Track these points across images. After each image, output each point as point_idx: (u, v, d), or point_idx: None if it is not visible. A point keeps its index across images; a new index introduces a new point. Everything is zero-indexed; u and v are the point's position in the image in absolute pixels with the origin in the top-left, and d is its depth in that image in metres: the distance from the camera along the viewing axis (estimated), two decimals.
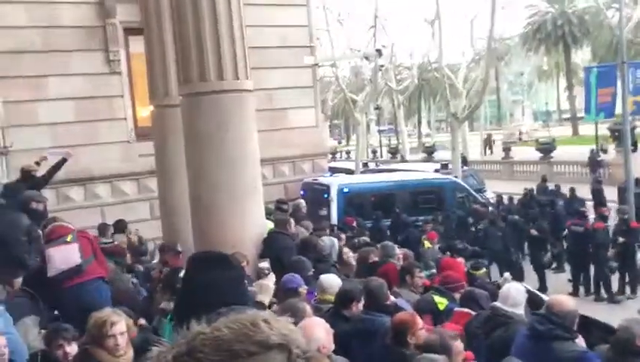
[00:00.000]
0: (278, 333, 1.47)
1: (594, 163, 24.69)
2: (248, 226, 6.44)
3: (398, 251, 7.25)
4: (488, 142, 44.16)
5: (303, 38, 14.07)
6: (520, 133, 46.33)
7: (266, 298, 4.27)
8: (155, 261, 8.48)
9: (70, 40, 11.48)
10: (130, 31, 11.83)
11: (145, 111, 11.65)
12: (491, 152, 41.68)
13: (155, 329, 4.55)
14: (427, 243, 11.05)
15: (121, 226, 9.05)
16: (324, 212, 12.76)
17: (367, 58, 20.36)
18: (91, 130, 11.68)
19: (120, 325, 3.45)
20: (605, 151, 26.48)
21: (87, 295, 5.02)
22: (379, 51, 19.49)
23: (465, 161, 25.35)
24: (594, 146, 26.19)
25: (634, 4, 23.35)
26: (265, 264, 5.07)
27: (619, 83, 14.64)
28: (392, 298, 4.94)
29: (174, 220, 8.52)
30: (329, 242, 6.89)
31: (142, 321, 4.69)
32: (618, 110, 15.08)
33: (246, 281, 2.08)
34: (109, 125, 11.96)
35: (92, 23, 11.76)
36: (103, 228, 8.83)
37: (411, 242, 11.21)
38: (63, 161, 8.05)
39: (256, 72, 10.00)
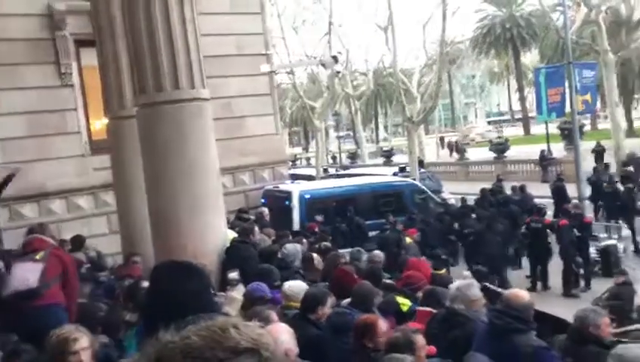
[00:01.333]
0: (247, 338, 1.49)
1: (545, 161, 25.48)
2: (210, 236, 6.41)
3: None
4: (453, 145, 43.79)
5: (258, 45, 14.08)
6: (500, 130, 46.64)
7: (233, 310, 4.26)
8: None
9: (20, 53, 11.18)
10: (81, 43, 11.61)
11: (99, 124, 11.46)
12: (458, 155, 41.02)
13: (119, 344, 4.47)
14: (408, 239, 11.33)
15: (78, 242, 8.85)
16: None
17: (323, 65, 20.49)
18: (44, 145, 11.39)
19: (82, 341, 3.37)
20: (604, 150, 26.26)
21: (40, 320, 4.65)
22: (335, 58, 19.65)
23: (422, 164, 25.78)
24: (545, 146, 27.02)
25: (577, 7, 24.27)
26: (234, 274, 5.04)
27: (567, 83, 15.18)
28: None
29: (133, 234, 8.39)
30: (292, 249, 6.91)
31: (103, 339, 4.59)
32: (568, 109, 15.60)
33: (212, 289, 2.04)
34: (62, 139, 11.68)
35: (42, 35, 11.49)
36: (59, 245, 8.62)
37: (389, 244, 11.29)
38: (10, 177, 7.82)
39: (213, 81, 9.97)
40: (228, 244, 6.62)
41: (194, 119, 6.24)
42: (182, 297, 1.70)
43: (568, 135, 20.49)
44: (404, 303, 5.32)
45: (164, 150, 6.28)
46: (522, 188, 15.80)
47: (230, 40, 13.28)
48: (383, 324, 4.09)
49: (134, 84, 6.52)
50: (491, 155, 32.01)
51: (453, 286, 4.57)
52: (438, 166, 34.36)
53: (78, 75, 11.91)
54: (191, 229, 6.36)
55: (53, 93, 11.56)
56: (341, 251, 8.43)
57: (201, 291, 1.78)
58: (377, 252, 7.82)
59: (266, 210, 10.91)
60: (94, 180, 11.56)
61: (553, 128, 27.43)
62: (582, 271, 11.77)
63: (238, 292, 4.56)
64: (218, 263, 6.23)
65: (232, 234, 7.11)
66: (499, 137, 36.62)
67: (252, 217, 10.59)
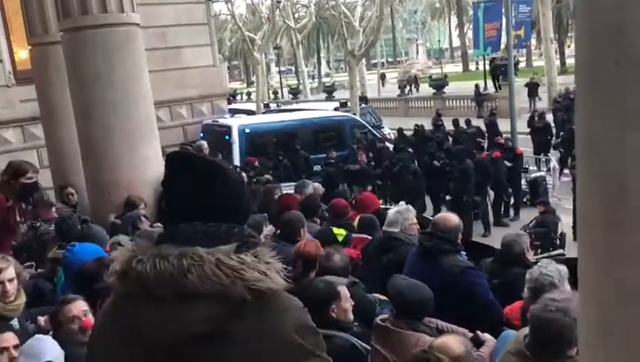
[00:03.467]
0: (260, 270, 1.29)
1: (480, 97, 26.01)
2: (144, 168, 6.24)
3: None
4: (412, 81, 42.15)
5: None
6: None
7: None
8: None
9: None
10: None
11: (24, 53, 10.72)
12: (417, 90, 39.83)
13: (49, 277, 4.36)
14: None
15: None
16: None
17: None
18: None
19: (9, 271, 3.26)
20: (537, 85, 26.41)
21: None
22: None
23: (365, 100, 25.89)
24: (480, 81, 27.41)
25: None
26: None
27: (504, 19, 15.36)
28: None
29: (64, 166, 8.07)
30: None
31: (31, 270, 4.47)
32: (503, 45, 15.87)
33: (248, 195, 1.65)
34: None
35: None
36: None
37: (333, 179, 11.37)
38: None
39: (146, 8, 9.46)
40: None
41: (124, 45, 5.93)
42: (201, 195, 1.40)
43: (504, 71, 20.88)
44: (340, 233, 5.39)
45: (93, 78, 5.99)
46: (455, 123, 16.18)
47: None
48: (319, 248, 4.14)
49: (58, 6, 6.09)
50: (431, 91, 32.36)
51: (392, 210, 4.67)
52: (379, 102, 34.49)
53: None
54: (124, 161, 6.19)
55: None
56: (284, 184, 8.45)
57: (225, 191, 1.41)
58: (317, 184, 7.86)
59: (205, 144, 10.70)
60: (21, 112, 10.92)
61: None
62: (512, 200, 12.30)
63: None
64: (154, 195, 6.11)
65: None
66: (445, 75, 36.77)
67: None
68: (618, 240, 1.23)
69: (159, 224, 5.21)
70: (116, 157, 6.09)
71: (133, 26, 6.04)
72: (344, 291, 3.03)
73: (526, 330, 2.58)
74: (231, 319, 1.29)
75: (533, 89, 26.11)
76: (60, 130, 7.92)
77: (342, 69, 69.10)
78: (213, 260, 1.30)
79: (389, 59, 74.06)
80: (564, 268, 3.37)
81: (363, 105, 23.11)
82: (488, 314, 3.49)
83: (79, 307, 3.01)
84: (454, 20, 63.25)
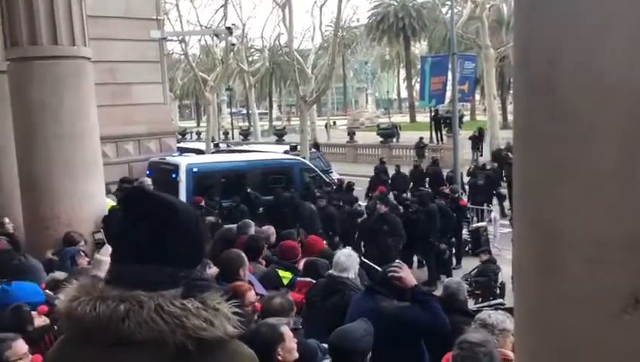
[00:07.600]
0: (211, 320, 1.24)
1: (420, 148, 26.85)
2: (86, 204, 6.09)
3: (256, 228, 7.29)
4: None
5: (149, 10, 13.45)
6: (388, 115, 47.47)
7: (101, 273, 4.05)
8: None
9: None
10: None
11: None
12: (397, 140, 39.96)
13: None
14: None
15: None
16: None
17: (217, 35, 20.00)
18: None
19: None
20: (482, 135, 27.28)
21: None
22: (229, 29, 19.18)
23: (317, 147, 26.39)
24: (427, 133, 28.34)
25: (464, 2, 25.57)
26: (100, 235, 4.83)
27: (450, 74, 16.05)
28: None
29: (2, 198, 7.75)
30: None
31: None
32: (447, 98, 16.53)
33: (200, 239, 1.52)
34: None
35: None
36: None
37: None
38: None
39: (98, 43, 9.39)
40: (106, 213, 6.34)
41: (73, 79, 5.86)
42: (150, 234, 1.33)
43: (449, 123, 21.64)
44: (285, 276, 5.37)
45: (39, 111, 5.86)
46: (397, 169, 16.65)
47: (118, 1, 12.57)
48: (251, 294, 4.08)
49: (5, 34, 5.98)
50: (379, 139, 33.12)
51: (342, 255, 4.65)
52: (328, 147, 34.97)
53: None
54: (66, 196, 6.01)
55: None
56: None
57: (179, 232, 1.35)
58: (266, 227, 7.80)
59: (148, 180, 10.52)
60: None
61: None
62: (454, 250, 12.56)
63: (104, 254, 4.33)
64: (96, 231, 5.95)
65: (112, 203, 6.80)
66: (393, 124, 37.84)
67: None
68: (548, 285, 1.30)
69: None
70: (58, 191, 5.91)
71: (84, 60, 5.98)
72: (287, 331, 3.01)
73: None
74: None
75: (476, 141, 27.15)
76: (2, 160, 7.64)
77: (294, 113, 70.00)
78: (153, 306, 1.24)
79: (339, 107, 75.59)
80: (510, 321, 3.48)
81: (313, 150, 23.40)
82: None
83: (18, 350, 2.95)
84: (403, 73, 65.46)
